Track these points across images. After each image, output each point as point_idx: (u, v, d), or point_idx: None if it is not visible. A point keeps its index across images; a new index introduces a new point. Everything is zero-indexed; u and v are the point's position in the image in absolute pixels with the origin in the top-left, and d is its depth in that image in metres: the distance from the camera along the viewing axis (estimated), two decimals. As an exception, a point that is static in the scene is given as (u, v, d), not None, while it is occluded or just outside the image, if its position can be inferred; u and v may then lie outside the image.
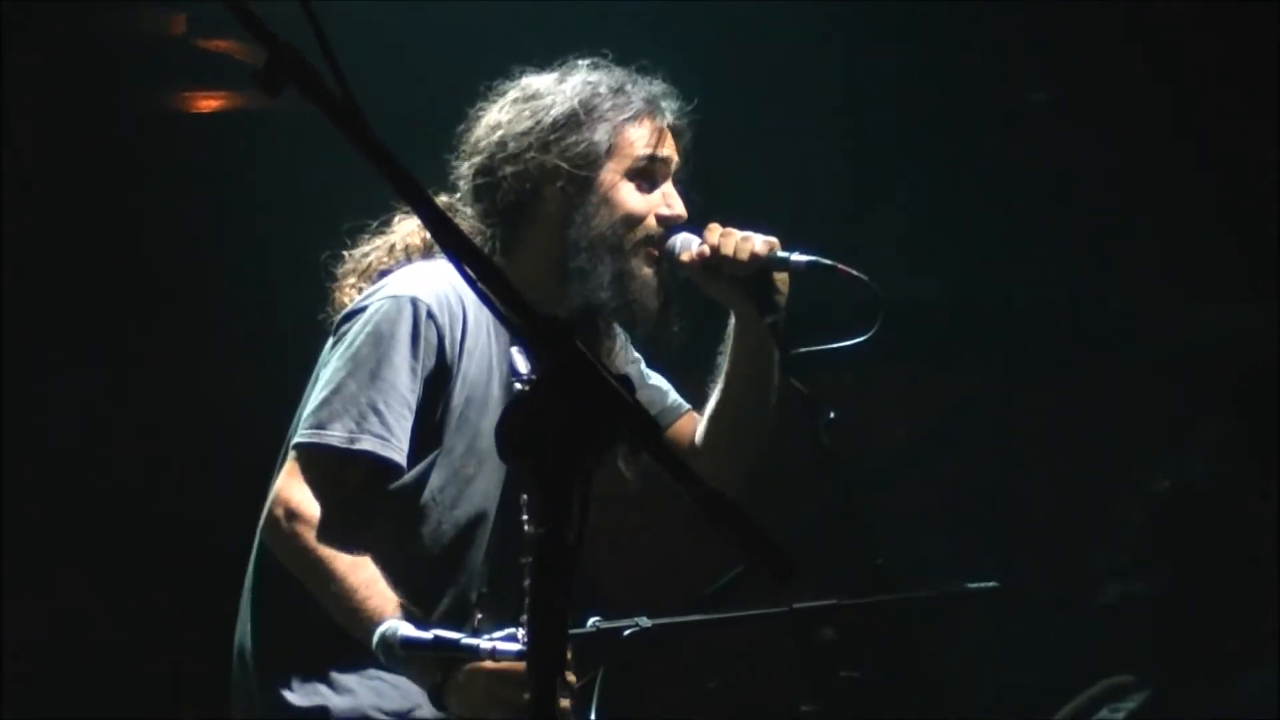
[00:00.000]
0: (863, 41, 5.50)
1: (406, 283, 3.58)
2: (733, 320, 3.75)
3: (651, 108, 3.67)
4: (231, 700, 3.67)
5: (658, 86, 3.70)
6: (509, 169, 3.62)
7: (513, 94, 3.70)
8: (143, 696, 5.56)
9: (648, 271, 3.65)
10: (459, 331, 3.55)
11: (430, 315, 3.52)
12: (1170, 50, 5.57)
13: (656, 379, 3.90)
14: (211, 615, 5.39)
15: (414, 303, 3.53)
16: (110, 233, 5.48)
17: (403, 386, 3.48)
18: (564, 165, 3.60)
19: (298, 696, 3.55)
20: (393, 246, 3.70)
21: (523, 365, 3.43)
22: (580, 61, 3.72)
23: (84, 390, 5.56)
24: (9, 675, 5.36)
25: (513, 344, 3.48)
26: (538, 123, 3.62)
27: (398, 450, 3.47)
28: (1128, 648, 4.72)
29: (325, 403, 3.48)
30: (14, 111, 5.27)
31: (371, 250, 3.71)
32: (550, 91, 3.66)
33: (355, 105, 2.13)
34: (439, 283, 3.57)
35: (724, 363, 3.77)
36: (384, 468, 3.48)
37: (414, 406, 3.50)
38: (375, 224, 3.70)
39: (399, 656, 3.24)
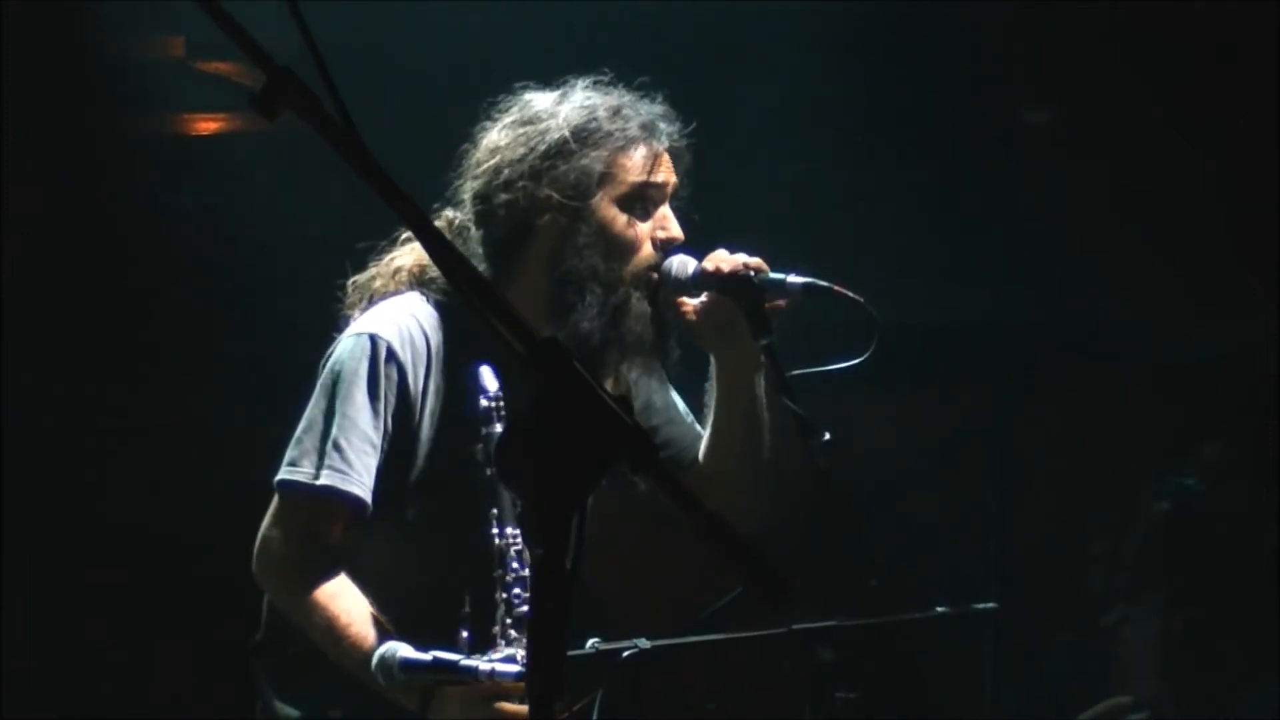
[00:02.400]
0: (861, 59, 5.50)
1: (369, 320, 3.63)
2: (714, 365, 3.75)
3: (648, 132, 3.65)
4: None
5: (656, 108, 3.68)
6: (503, 197, 3.62)
7: (511, 115, 3.69)
8: (143, 698, 5.56)
9: (643, 305, 3.65)
10: (423, 366, 3.59)
11: (391, 352, 3.57)
12: (1171, 65, 5.57)
13: (684, 408, 3.88)
14: (211, 618, 5.41)
15: (373, 340, 3.58)
16: (109, 248, 5.49)
17: (364, 423, 3.54)
18: (555, 195, 3.59)
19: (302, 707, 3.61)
20: (394, 272, 3.71)
21: (490, 383, 3.45)
22: (580, 82, 3.70)
23: (86, 402, 5.56)
24: (9, 675, 5.36)
25: (480, 363, 3.49)
26: (531, 150, 3.61)
27: (358, 484, 3.53)
28: (1127, 668, 4.71)
29: (296, 442, 3.58)
30: (11, 128, 5.27)
31: (375, 276, 3.72)
32: (546, 116, 3.64)
33: (353, 128, 2.14)
34: (403, 317, 3.62)
35: (710, 403, 3.78)
36: (350, 504, 3.53)
37: (378, 443, 3.55)
38: (381, 245, 3.71)
39: (398, 679, 3.25)
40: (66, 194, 5.43)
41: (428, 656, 3.24)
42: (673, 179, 3.69)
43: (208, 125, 5.60)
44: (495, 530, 3.45)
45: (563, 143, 3.60)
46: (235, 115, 5.52)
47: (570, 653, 3.15)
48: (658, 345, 3.68)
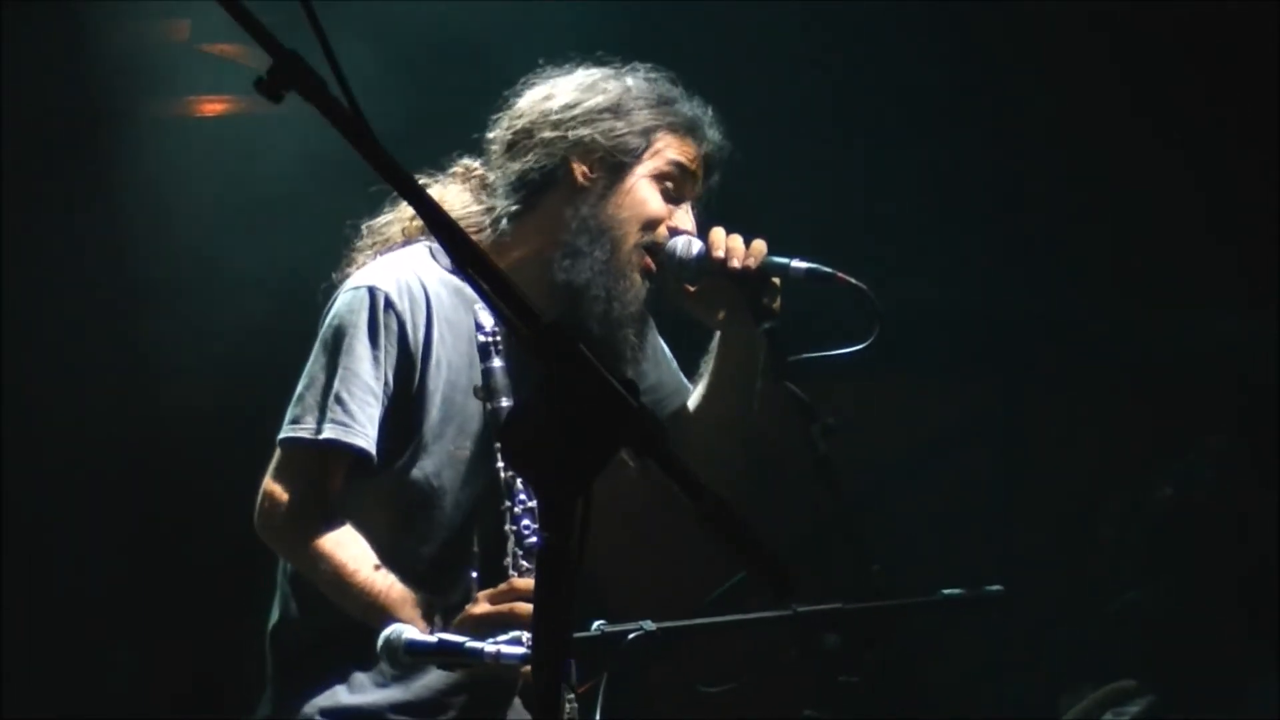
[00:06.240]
0: (869, 46, 5.51)
1: (367, 273, 3.66)
2: (718, 337, 3.79)
3: (695, 127, 3.74)
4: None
5: (707, 115, 3.77)
6: (547, 134, 3.68)
7: (566, 74, 3.77)
8: (143, 698, 5.57)
9: (637, 276, 3.68)
10: (421, 317, 3.62)
11: (389, 303, 3.60)
12: (1170, 59, 5.58)
13: (669, 354, 3.92)
14: (211, 618, 5.40)
15: (371, 292, 3.61)
16: (111, 237, 5.48)
17: (366, 375, 3.57)
18: (601, 144, 3.66)
19: (309, 694, 3.62)
20: (411, 217, 3.73)
21: (486, 320, 3.49)
22: (640, 65, 3.79)
23: (86, 390, 5.56)
24: (9, 675, 5.36)
25: (476, 303, 3.52)
26: (585, 99, 3.70)
27: (361, 436, 3.56)
28: (1130, 655, 4.72)
29: (299, 398, 3.62)
30: (13, 115, 5.27)
31: (389, 222, 3.75)
32: (604, 79, 3.74)
33: (358, 109, 2.14)
34: (401, 270, 3.65)
35: (706, 374, 3.81)
36: (354, 454, 3.56)
37: (380, 394, 3.59)
38: (394, 194, 3.72)
39: (403, 661, 3.27)
40: (70, 177, 5.42)
41: (433, 639, 3.25)
42: (701, 185, 3.77)
43: (213, 107, 5.60)
44: (500, 464, 3.48)
45: (620, 103, 3.69)
46: (241, 98, 5.52)
47: (576, 635, 3.18)
48: (633, 324, 3.71)
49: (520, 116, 3.73)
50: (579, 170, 3.68)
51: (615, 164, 3.67)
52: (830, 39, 5.46)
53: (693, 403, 3.87)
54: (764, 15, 5.46)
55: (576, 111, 3.68)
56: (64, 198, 5.43)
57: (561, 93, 3.72)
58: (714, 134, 3.76)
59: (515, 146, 3.72)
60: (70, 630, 5.52)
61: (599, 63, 3.79)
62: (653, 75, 3.77)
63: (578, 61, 3.79)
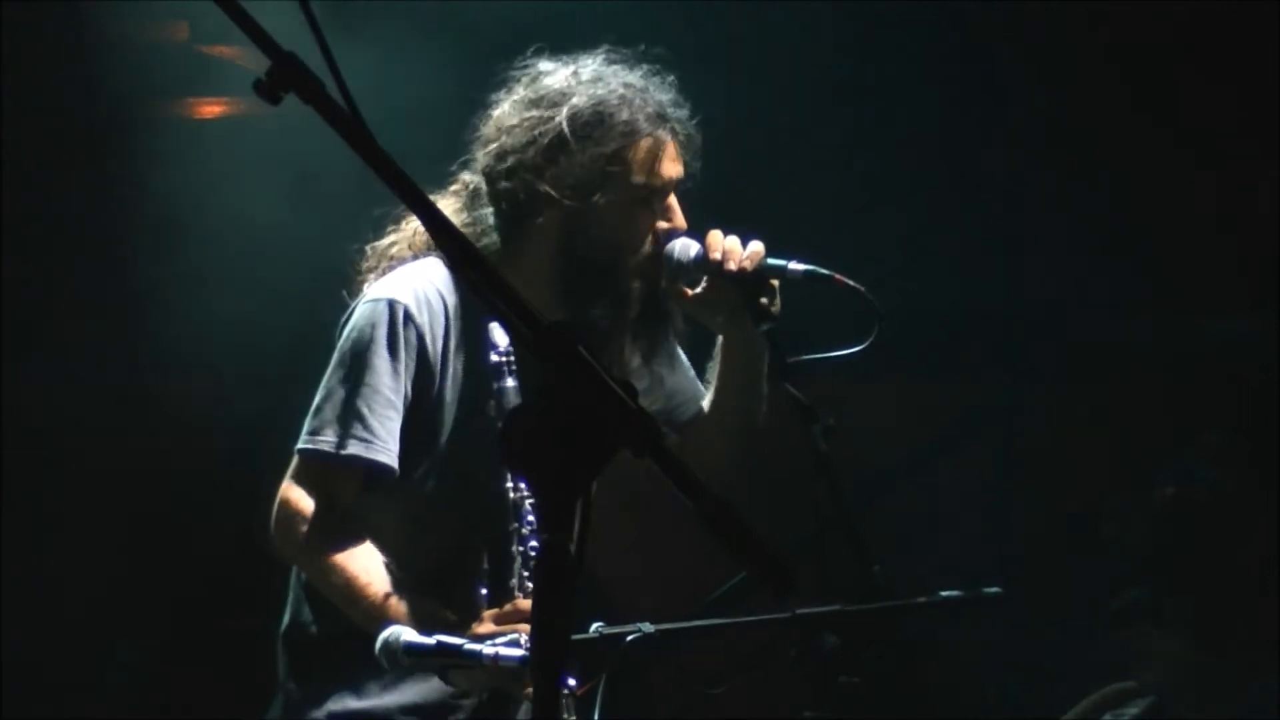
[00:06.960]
0: (870, 46, 5.50)
1: (386, 285, 3.64)
2: (720, 340, 3.78)
3: (656, 124, 3.63)
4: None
5: (666, 95, 3.67)
6: (505, 184, 3.63)
7: (521, 90, 3.68)
8: (145, 698, 5.57)
9: (646, 288, 3.67)
10: (440, 329, 3.60)
11: (408, 316, 3.58)
12: (1170, 59, 5.58)
13: (686, 361, 3.91)
14: (212, 618, 5.40)
15: (391, 305, 3.58)
16: (111, 237, 5.48)
17: (385, 389, 3.55)
18: (554, 193, 3.59)
19: (320, 697, 3.62)
20: (413, 234, 3.70)
21: (500, 339, 3.47)
22: (594, 59, 3.68)
23: (86, 390, 5.56)
24: (9, 675, 5.36)
25: (489, 320, 3.50)
26: (533, 141, 3.60)
27: (384, 451, 3.55)
28: (1130, 655, 4.72)
29: (317, 410, 3.59)
30: (13, 115, 5.27)
31: (394, 242, 3.72)
32: (553, 102, 3.63)
33: (356, 111, 2.14)
34: (419, 282, 3.62)
35: (713, 378, 3.81)
36: (376, 470, 3.55)
37: (400, 407, 3.57)
38: (399, 210, 3.70)
39: (402, 663, 3.27)
40: (70, 177, 5.42)
41: (431, 640, 3.24)
42: (678, 171, 3.67)
43: (212, 109, 5.59)
44: (510, 484, 3.47)
45: (564, 139, 3.59)
46: (239, 100, 5.51)
47: (574, 637, 3.18)
48: (661, 323, 3.70)
49: (488, 152, 3.65)
50: (545, 215, 3.61)
51: (589, 196, 3.59)
52: (830, 39, 5.46)
53: (704, 407, 3.86)
54: (764, 15, 5.45)
55: (525, 157, 3.59)
56: (64, 198, 5.44)
57: (511, 125, 3.62)
58: (681, 113, 3.66)
59: (489, 184, 3.66)
60: (70, 630, 5.52)
61: (553, 58, 3.69)
62: (603, 70, 3.65)
63: (536, 55, 3.69)
